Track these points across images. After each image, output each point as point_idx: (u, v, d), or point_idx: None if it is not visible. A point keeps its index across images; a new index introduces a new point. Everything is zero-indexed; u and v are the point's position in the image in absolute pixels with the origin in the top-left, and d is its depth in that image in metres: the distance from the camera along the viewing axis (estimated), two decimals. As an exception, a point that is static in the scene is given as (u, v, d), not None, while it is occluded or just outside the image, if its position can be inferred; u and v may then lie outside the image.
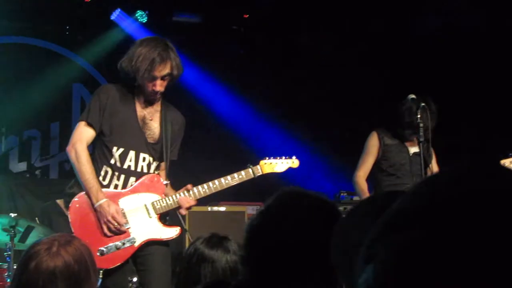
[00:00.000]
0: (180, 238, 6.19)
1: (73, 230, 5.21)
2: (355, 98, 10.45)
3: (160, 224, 5.36)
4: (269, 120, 10.76)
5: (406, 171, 6.87)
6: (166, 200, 5.37)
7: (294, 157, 5.96)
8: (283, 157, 5.87)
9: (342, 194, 9.77)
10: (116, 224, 5.15)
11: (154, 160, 5.46)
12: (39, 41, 10.16)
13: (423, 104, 6.27)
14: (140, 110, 5.45)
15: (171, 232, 5.39)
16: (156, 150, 5.48)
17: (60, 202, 8.30)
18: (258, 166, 5.66)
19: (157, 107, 5.55)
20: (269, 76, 10.81)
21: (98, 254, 5.10)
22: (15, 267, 6.69)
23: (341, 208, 9.61)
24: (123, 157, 5.33)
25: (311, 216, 2.31)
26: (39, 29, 10.11)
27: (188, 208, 5.46)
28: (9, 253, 6.84)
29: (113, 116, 5.35)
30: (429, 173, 6.57)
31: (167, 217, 5.54)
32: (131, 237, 5.23)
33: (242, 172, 5.56)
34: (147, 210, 5.33)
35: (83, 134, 5.33)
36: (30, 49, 10.09)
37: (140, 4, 9.91)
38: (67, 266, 2.86)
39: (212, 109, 10.50)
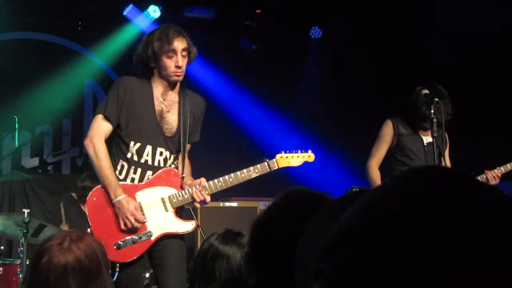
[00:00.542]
0: (192, 233, 6.18)
1: (90, 224, 5.21)
2: (370, 92, 10.42)
3: (176, 218, 5.33)
4: (282, 116, 10.75)
5: (421, 161, 6.84)
6: (182, 194, 5.33)
7: (309, 151, 5.90)
8: (299, 151, 5.82)
9: (354, 189, 9.75)
10: (134, 221, 5.14)
11: (171, 153, 5.43)
12: (51, 36, 10.17)
13: (436, 99, 6.23)
14: (158, 104, 5.41)
15: (188, 226, 5.37)
16: (174, 143, 5.45)
17: (74, 195, 8.34)
18: (274, 160, 5.61)
19: (175, 98, 5.50)
20: (282, 71, 10.80)
21: (115, 247, 5.09)
22: (27, 263, 6.72)
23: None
24: (140, 152, 5.30)
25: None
26: (51, 25, 10.12)
27: (203, 203, 5.42)
28: (22, 249, 6.86)
29: (131, 110, 5.32)
30: (443, 163, 6.55)
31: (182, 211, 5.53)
32: (147, 230, 5.21)
33: (258, 166, 5.52)
34: (164, 203, 5.30)
35: (101, 127, 5.30)
36: (42, 45, 10.11)
37: (151, -1, 9.91)
38: (79, 262, 2.85)
39: (224, 105, 10.48)
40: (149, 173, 5.33)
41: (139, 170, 5.31)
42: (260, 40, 10.77)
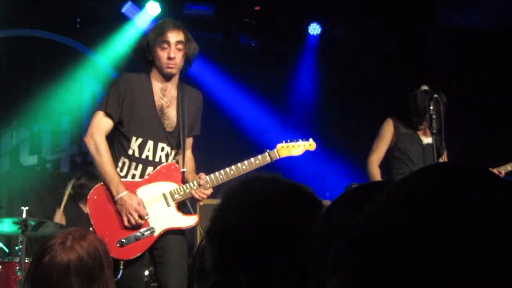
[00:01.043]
0: (192, 230, 6.17)
1: (92, 223, 5.18)
2: (369, 89, 10.42)
3: (178, 213, 5.32)
4: (281, 112, 10.75)
5: (419, 161, 6.86)
6: (184, 188, 5.32)
7: (310, 139, 5.86)
8: (300, 140, 5.78)
9: (353, 185, 9.75)
10: (137, 217, 5.13)
11: (172, 149, 5.42)
12: (50, 34, 10.14)
13: (436, 95, 6.23)
14: (158, 100, 5.42)
15: (190, 221, 5.36)
16: (174, 138, 5.44)
17: (71, 191, 8.33)
18: (275, 150, 5.58)
19: (174, 93, 5.51)
20: (281, 67, 10.80)
21: (118, 245, 5.06)
22: (26, 261, 6.72)
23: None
24: (141, 148, 5.30)
25: (276, 202, 2.24)
26: (50, 23, 10.09)
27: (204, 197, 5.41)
28: (20, 247, 6.85)
29: (132, 106, 5.31)
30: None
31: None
32: (150, 227, 5.17)
33: (259, 157, 5.49)
34: (165, 199, 5.29)
35: (102, 124, 5.30)
36: (41, 42, 10.08)
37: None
38: (81, 260, 2.85)
39: (224, 101, 10.47)
40: (150, 169, 5.32)
41: (140, 166, 5.30)
42: (259, 37, 10.76)
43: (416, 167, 6.85)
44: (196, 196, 5.32)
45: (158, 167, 5.34)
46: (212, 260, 2.21)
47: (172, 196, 5.30)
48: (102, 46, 10.18)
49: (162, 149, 5.36)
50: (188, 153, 5.66)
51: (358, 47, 10.67)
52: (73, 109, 10.22)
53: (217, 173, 5.39)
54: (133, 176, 5.31)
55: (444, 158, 6.85)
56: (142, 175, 5.31)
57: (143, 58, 5.47)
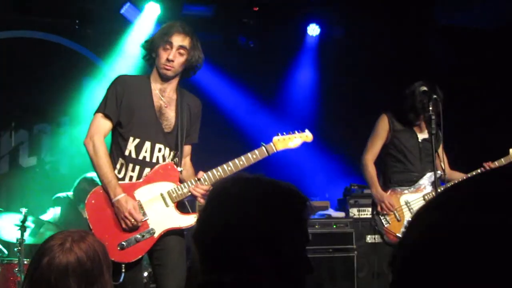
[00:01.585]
0: (191, 229, 6.13)
1: (91, 226, 5.15)
2: (368, 89, 10.41)
3: (177, 213, 5.29)
4: (280, 112, 10.74)
5: (415, 158, 6.85)
6: (182, 188, 5.30)
7: (307, 130, 5.78)
8: (296, 131, 5.70)
9: (353, 187, 9.74)
10: (133, 220, 5.10)
11: (170, 150, 5.40)
12: (49, 35, 10.13)
13: (435, 96, 6.22)
14: (157, 100, 5.40)
15: (190, 220, 5.32)
16: (172, 139, 5.42)
17: (70, 195, 8.32)
18: (271, 144, 5.50)
19: (173, 95, 5.49)
20: (280, 68, 10.80)
21: (118, 248, 5.05)
22: (25, 262, 6.71)
23: (351, 201, 9.64)
24: (138, 148, 5.28)
25: (262, 203, 2.23)
26: (49, 23, 10.09)
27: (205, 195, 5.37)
28: (19, 248, 6.84)
29: (130, 106, 5.30)
30: (436, 159, 6.54)
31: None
32: (150, 228, 5.17)
33: (256, 151, 5.44)
34: (164, 199, 5.27)
35: (101, 126, 5.29)
36: (40, 43, 10.07)
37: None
38: (80, 262, 2.84)
39: (222, 102, 10.46)
40: (147, 170, 5.30)
41: (137, 167, 5.28)
42: (258, 38, 10.75)
43: (413, 164, 6.85)
44: (195, 193, 5.29)
45: (155, 168, 5.31)
46: (199, 262, 2.21)
47: (170, 196, 5.28)
48: (101, 47, 10.18)
49: (160, 150, 5.34)
50: (187, 161, 5.65)
51: (357, 47, 10.67)
52: (72, 110, 10.21)
53: (214, 170, 5.36)
54: (131, 178, 5.29)
55: (440, 154, 6.84)
56: (139, 177, 5.29)
57: (148, 54, 5.47)
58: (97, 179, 5.38)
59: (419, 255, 1.02)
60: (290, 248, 2.15)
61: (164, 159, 5.37)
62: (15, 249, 6.94)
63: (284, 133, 5.66)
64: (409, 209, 6.72)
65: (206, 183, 5.32)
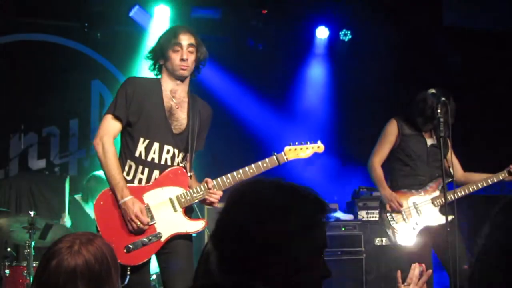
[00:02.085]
0: (199, 234, 6.13)
1: (99, 228, 5.15)
2: (376, 92, 10.41)
3: (185, 218, 5.28)
4: (288, 115, 10.72)
5: (423, 163, 6.85)
6: (191, 193, 5.30)
7: (319, 142, 5.79)
8: (308, 142, 5.71)
9: (361, 189, 9.74)
10: (139, 223, 5.09)
11: (179, 151, 5.39)
12: (58, 38, 10.15)
13: (443, 99, 6.21)
14: (167, 101, 5.41)
15: (197, 225, 5.32)
16: (182, 141, 5.41)
17: (78, 197, 8.33)
18: (282, 153, 5.53)
19: (184, 97, 5.50)
20: (289, 71, 10.79)
21: (124, 251, 5.05)
22: (34, 264, 6.73)
23: (360, 204, 9.63)
24: (147, 149, 5.28)
25: (281, 207, 2.23)
26: (57, 27, 10.11)
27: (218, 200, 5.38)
28: (28, 250, 6.86)
29: (140, 107, 5.31)
30: (445, 165, 6.55)
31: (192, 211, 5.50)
32: (157, 232, 5.16)
33: (267, 160, 5.45)
34: (172, 204, 5.26)
35: (110, 127, 5.29)
36: (49, 46, 10.09)
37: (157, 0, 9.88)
38: (88, 265, 2.84)
39: (231, 104, 10.44)
40: (156, 172, 5.29)
41: (146, 170, 5.27)
42: (267, 40, 10.75)
43: (420, 169, 6.85)
44: (211, 199, 5.30)
45: (165, 172, 5.31)
46: (216, 263, 2.21)
47: (179, 201, 5.27)
48: (110, 49, 10.20)
49: (168, 151, 5.33)
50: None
51: (365, 49, 10.66)
52: (81, 113, 10.23)
53: (224, 177, 5.37)
54: (140, 180, 5.28)
55: (449, 160, 6.84)
56: (148, 179, 5.28)
57: (155, 62, 5.50)
58: (105, 177, 5.39)
59: None
60: (308, 253, 2.15)
61: (172, 161, 5.36)
62: (25, 251, 6.96)
63: (296, 143, 5.67)
64: (417, 211, 6.72)
65: (215, 189, 5.32)
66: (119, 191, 5.12)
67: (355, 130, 10.62)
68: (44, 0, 9.59)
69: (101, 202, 5.21)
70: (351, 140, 10.50)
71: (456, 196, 6.48)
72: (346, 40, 10.88)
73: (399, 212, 6.72)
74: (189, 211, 5.41)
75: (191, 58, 5.39)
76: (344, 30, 10.79)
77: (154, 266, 5.97)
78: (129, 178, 5.28)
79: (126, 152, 5.34)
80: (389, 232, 6.76)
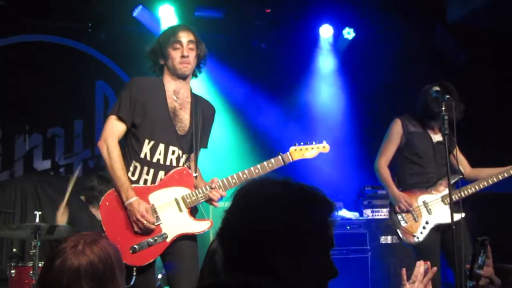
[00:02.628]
0: (204, 234, 6.13)
1: (104, 229, 5.15)
2: (381, 90, 10.40)
3: (191, 218, 5.29)
4: (292, 115, 10.72)
5: (430, 160, 6.85)
6: (196, 193, 5.30)
7: (324, 142, 5.79)
8: (313, 142, 5.72)
9: (366, 188, 9.73)
10: (145, 223, 5.10)
11: (184, 152, 5.40)
12: (62, 39, 10.17)
13: (447, 96, 6.19)
14: (171, 102, 5.41)
15: (203, 226, 5.32)
16: (187, 142, 5.42)
17: (83, 198, 8.32)
18: (288, 153, 5.53)
19: (187, 97, 5.51)
20: (293, 70, 10.78)
21: (130, 251, 5.06)
22: (40, 265, 6.73)
23: (365, 202, 9.63)
24: (153, 150, 5.28)
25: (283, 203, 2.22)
26: (61, 27, 10.12)
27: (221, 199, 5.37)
28: (34, 251, 6.86)
29: (144, 108, 5.31)
30: (453, 161, 6.54)
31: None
32: (162, 232, 5.17)
33: (272, 160, 5.45)
34: (178, 204, 5.27)
35: (115, 128, 5.30)
36: (53, 47, 10.10)
37: (161, 0, 9.89)
38: (92, 265, 2.84)
39: (235, 104, 10.44)
40: (161, 173, 5.30)
41: (151, 170, 5.28)
42: (270, 40, 10.75)
43: (427, 166, 6.84)
44: (212, 196, 5.30)
45: (170, 172, 5.31)
46: (222, 262, 2.21)
47: (184, 201, 5.28)
48: (114, 50, 10.20)
49: (173, 152, 5.34)
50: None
51: (370, 48, 10.65)
52: (86, 113, 10.24)
53: (229, 177, 5.37)
54: (145, 181, 5.29)
55: (454, 156, 6.82)
56: (154, 180, 5.29)
57: (155, 62, 5.49)
58: (108, 176, 5.39)
59: None
60: (315, 253, 2.15)
61: (177, 161, 5.37)
62: (30, 252, 6.97)
63: (302, 143, 5.68)
64: (427, 209, 6.70)
65: (220, 190, 5.32)
66: (124, 192, 5.12)
67: (360, 128, 10.62)
68: (48, 1, 9.58)
69: (107, 203, 5.21)
70: (356, 138, 10.49)
71: (465, 194, 6.47)
72: (350, 38, 10.88)
73: (409, 211, 6.70)
74: (194, 212, 5.41)
75: (192, 54, 5.40)
76: (347, 28, 10.80)
77: (159, 266, 5.97)
78: (134, 178, 5.28)
79: (131, 153, 5.34)
80: (400, 233, 6.75)
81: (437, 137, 6.88)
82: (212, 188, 5.30)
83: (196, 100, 5.56)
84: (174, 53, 5.37)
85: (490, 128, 9.59)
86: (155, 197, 5.24)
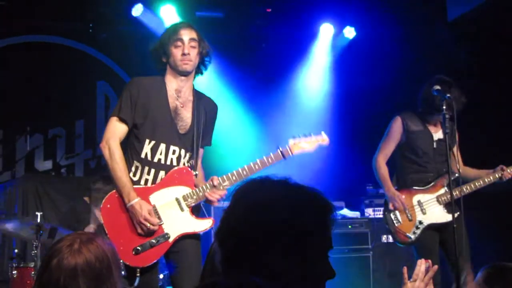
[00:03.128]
0: (208, 232, 6.12)
1: (106, 231, 5.15)
2: (383, 89, 10.39)
3: (193, 217, 5.28)
4: (294, 114, 10.71)
5: (429, 159, 6.83)
6: (197, 192, 5.29)
7: (323, 133, 5.72)
8: (312, 134, 5.66)
9: (368, 187, 9.73)
10: (148, 225, 5.09)
11: (186, 151, 5.38)
12: (63, 39, 10.19)
13: (448, 95, 6.19)
14: (172, 101, 5.40)
15: (205, 224, 5.31)
16: (188, 140, 5.40)
17: (87, 199, 8.32)
18: (287, 147, 5.48)
19: (189, 95, 5.49)
20: (293, 69, 10.78)
21: (133, 253, 5.06)
22: (40, 265, 6.72)
23: (366, 201, 9.63)
24: (154, 150, 5.27)
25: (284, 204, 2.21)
26: (63, 28, 10.14)
27: (220, 199, 5.35)
28: (36, 251, 6.86)
29: (145, 108, 5.30)
30: (452, 158, 6.53)
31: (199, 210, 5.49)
32: (165, 233, 5.16)
33: (271, 155, 5.42)
34: (179, 204, 5.25)
35: (116, 130, 5.29)
36: (54, 47, 10.12)
37: (162, 0, 9.88)
38: (88, 264, 2.84)
39: (233, 104, 10.44)
40: (162, 173, 5.29)
41: (152, 170, 5.27)
42: (271, 39, 10.75)
43: (427, 165, 6.83)
44: (210, 197, 5.28)
45: (170, 172, 5.30)
46: (221, 261, 2.20)
47: (185, 201, 5.26)
48: (115, 50, 10.21)
49: (174, 152, 5.33)
50: (198, 163, 5.62)
51: (369, 46, 10.65)
52: (87, 114, 10.25)
53: (229, 174, 5.35)
54: (146, 181, 5.27)
55: (455, 153, 6.80)
56: (154, 180, 5.28)
57: (157, 61, 5.48)
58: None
59: None
60: (313, 253, 2.14)
61: (178, 161, 5.35)
62: (32, 253, 6.97)
63: (300, 135, 5.62)
64: (421, 209, 6.69)
65: (221, 187, 5.30)
66: (125, 194, 5.12)
67: (361, 126, 10.59)
68: (49, 2, 9.59)
69: (108, 205, 5.21)
70: (356, 137, 10.47)
71: (462, 193, 6.45)
72: (350, 37, 10.87)
73: (403, 211, 6.69)
74: (196, 210, 5.40)
75: (194, 52, 5.37)
76: (348, 26, 10.80)
77: (161, 266, 5.96)
78: (135, 178, 5.27)
79: (132, 153, 5.33)
80: (393, 232, 6.74)
81: (438, 135, 6.86)
82: (214, 187, 5.28)
83: (198, 98, 5.54)
84: (175, 51, 5.35)
85: (490, 127, 9.55)
86: (156, 198, 5.23)
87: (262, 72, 10.64)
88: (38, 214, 7.07)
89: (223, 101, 9.78)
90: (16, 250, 7.95)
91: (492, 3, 9.39)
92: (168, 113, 5.35)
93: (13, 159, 9.87)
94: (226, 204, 2.30)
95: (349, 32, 10.86)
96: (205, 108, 5.54)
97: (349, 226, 8.95)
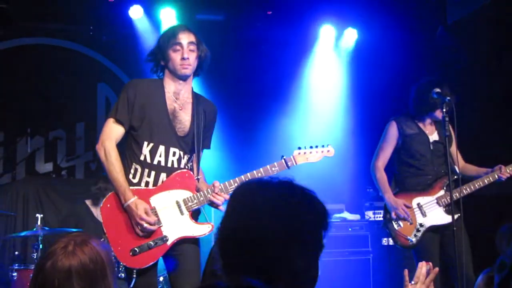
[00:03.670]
0: (209, 235, 6.12)
1: (105, 231, 5.15)
2: (383, 92, 10.38)
3: (192, 221, 5.27)
4: (295, 116, 10.70)
5: (427, 161, 6.82)
6: (198, 196, 5.28)
7: (329, 146, 5.75)
8: (318, 146, 5.69)
9: (368, 189, 9.72)
10: (145, 225, 5.09)
11: (185, 153, 5.37)
12: (63, 41, 10.19)
13: (448, 98, 6.19)
14: (170, 103, 5.38)
15: (204, 229, 5.29)
16: (187, 143, 5.38)
17: (88, 202, 8.33)
18: (291, 157, 5.51)
19: (188, 98, 5.47)
20: (294, 72, 10.78)
21: (130, 254, 5.05)
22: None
23: (367, 204, 9.62)
24: (153, 153, 5.26)
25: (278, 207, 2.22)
26: (63, 30, 10.15)
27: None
28: (36, 254, 6.88)
29: (143, 111, 5.28)
30: (449, 159, 6.52)
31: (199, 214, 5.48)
32: (163, 235, 5.15)
33: (275, 164, 5.43)
34: (179, 207, 5.24)
35: (112, 131, 5.28)
36: (55, 49, 10.13)
37: (162, 2, 9.88)
38: (83, 266, 2.85)
39: (236, 108, 10.43)
40: (163, 175, 5.28)
41: (152, 172, 5.26)
42: (272, 41, 10.74)
43: (425, 168, 6.82)
44: (215, 200, 5.27)
45: (172, 175, 5.29)
46: (221, 264, 2.21)
47: (185, 204, 5.26)
48: (115, 52, 10.21)
49: (174, 153, 5.31)
50: (199, 166, 5.61)
51: (371, 49, 10.65)
52: (88, 116, 10.25)
53: (231, 181, 5.35)
54: (147, 183, 5.26)
55: (453, 153, 6.79)
56: (155, 182, 5.27)
57: (156, 64, 5.47)
58: None
59: None
60: (309, 255, 2.16)
61: (179, 163, 5.34)
62: (32, 254, 6.98)
63: (305, 147, 5.66)
64: (421, 212, 6.68)
65: (222, 192, 5.30)
66: (122, 194, 5.11)
67: (362, 129, 10.59)
68: (49, 4, 9.60)
69: (108, 205, 5.20)
70: (358, 140, 10.47)
71: (461, 194, 6.45)
72: (351, 39, 10.87)
73: (406, 220, 6.67)
74: (196, 215, 5.39)
75: (193, 56, 5.35)
76: (349, 28, 10.80)
77: (160, 268, 5.96)
78: (135, 181, 5.27)
79: (131, 155, 5.32)
80: (394, 235, 6.73)
81: (433, 137, 6.86)
82: (215, 193, 5.28)
83: (197, 100, 5.52)
84: (174, 55, 5.33)
85: (490, 128, 9.55)
86: (156, 200, 5.22)
87: (262, 75, 10.63)
88: (39, 216, 7.08)
89: (222, 105, 9.81)
90: (16, 252, 7.96)
91: (491, 7, 9.38)
92: (166, 115, 5.34)
93: (14, 162, 9.88)
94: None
95: (351, 34, 10.86)
96: (204, 111, 5.52)
97: (349, 229, 8.95)
